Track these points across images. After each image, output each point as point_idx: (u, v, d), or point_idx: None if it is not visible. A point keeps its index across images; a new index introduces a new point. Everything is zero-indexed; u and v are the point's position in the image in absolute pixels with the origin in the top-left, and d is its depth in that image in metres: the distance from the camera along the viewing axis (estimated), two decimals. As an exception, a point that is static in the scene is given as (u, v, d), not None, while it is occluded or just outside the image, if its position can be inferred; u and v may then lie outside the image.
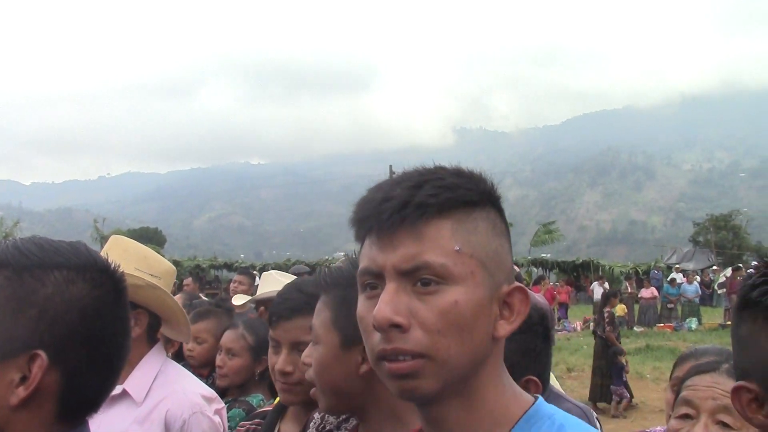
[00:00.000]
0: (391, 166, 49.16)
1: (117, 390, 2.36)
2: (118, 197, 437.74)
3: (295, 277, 4.39)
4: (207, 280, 39.48)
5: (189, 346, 3.76)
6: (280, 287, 4.09)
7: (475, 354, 1.06)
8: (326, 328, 1.64)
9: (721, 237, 59.54)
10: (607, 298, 13.41)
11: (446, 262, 1.04)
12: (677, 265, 36.07)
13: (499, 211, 1.15)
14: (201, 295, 10.02)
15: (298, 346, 2.01)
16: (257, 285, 5.38)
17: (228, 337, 3.50)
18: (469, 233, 1.07)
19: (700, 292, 25.56)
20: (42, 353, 1.13)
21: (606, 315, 12.62)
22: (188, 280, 10.48)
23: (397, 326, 1.03)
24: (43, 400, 1.15)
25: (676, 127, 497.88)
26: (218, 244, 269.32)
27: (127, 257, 2.50)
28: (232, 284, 7.53)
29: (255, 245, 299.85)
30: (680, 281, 26.07)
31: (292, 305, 2.06)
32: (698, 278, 27.42)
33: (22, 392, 1.13)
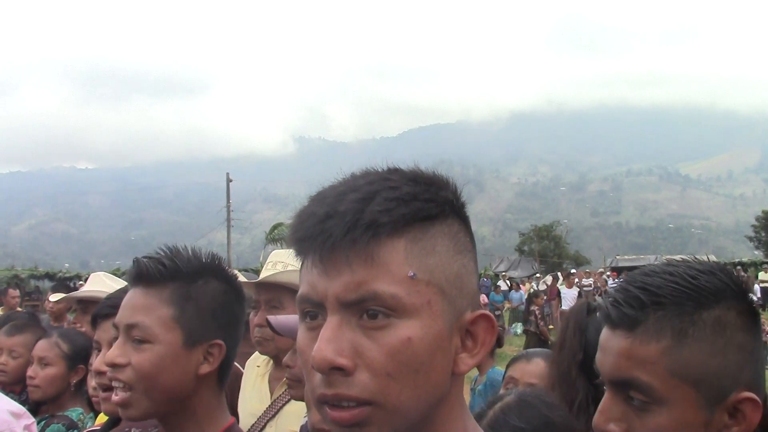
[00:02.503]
0: (228, 174, 48.49)
1: None
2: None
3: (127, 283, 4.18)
4: (27, 291, 36.95)
5: (2, 360, 3.57)
6: (107, 289, 3.65)
7: (431, 396, 0.90)
8: (166, 326, 1.51)
9: (544, 246, 63.36)
10: (531, 297, 15.55)
11: (398, 291, 0.86)
12: (504, 273, 37.96)
13: (464, 220, 0.96)
14: (19, 308, 9.38)
15: None
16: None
17: (40, 346, 3.30)
18: (426, 254, 0.89)
19: (524, 299, 26.93)
20: None
21: (537, 312, 14.28)
22: (15, 292, 9.69)
23: (339, 369, 0.86)
24: None
25: (504, 142, 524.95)
26: (40, 252, 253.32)
27: None
28: (47, 304, 7.04)
29: (81, 254, 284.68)
30: (505, 288, 27.41)
31: (111, 303, 1.98)
32: (534, 286, 28.86)
33: None
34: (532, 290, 19.89)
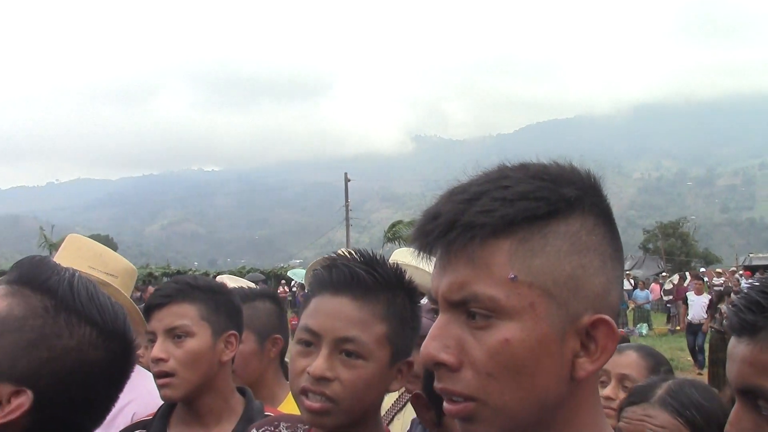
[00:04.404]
0: (346, 174, 49.35)
1: None
2: (68, 204, 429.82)
3: (250, 282, 4.25)
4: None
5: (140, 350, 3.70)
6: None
7: (540, 399, 0.88)
8: (380, 343, 1.45)
9: (670, 244, 60.84)
10: (722, 295, 15.76)
11: (496, 294, 0.87)
12: (628, 272, 36.82)
13: (598, 216, 0.93)
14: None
15: (174, 332, 1.96)
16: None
17: None
18: (532, 256, 0.88)
19: (650, 298, 26.00)
20: (30, 395, 1.08)
21: (723, 311, 14.34)
22: (152, 290, 10.32)
23: (444, 364, 0.89)
24: None
25: (626, 136, 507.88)
26: (171, 251, 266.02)
27: (80, 255, 2.49)
28: None
29: (209, 253, 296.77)
30: (627, 287, 26.49)
31: (166, 293, 2.02)
32: (665, 286, 27.96)
33: None
34: (725, 287, 19.63)
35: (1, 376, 1.08)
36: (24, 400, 1.08)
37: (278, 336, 2.58)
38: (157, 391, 2.39)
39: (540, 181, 0.90)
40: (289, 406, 2.43)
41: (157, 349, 1.95)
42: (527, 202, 0.88)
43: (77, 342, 1.12)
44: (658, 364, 2.44)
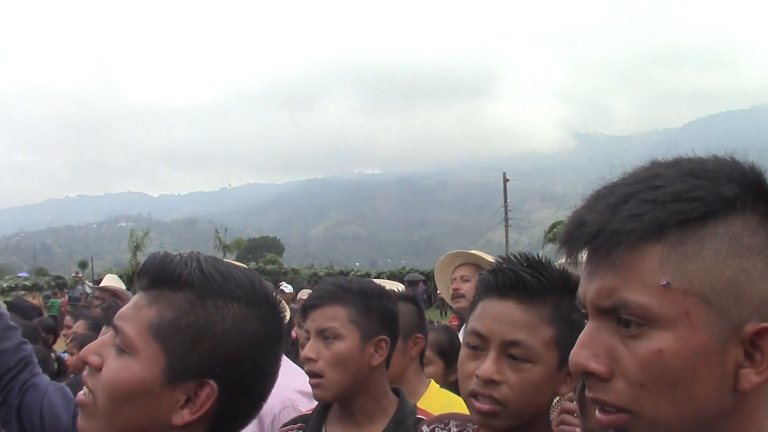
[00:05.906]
0: (504, 174, 48.95)
1: None
2: (239, 207, 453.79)
3: (399, 284, 4.27)
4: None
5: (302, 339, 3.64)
6: None
7: (699, 413, 0.83)
8: (547, 346, 1.45)
9: None
10: None
11: (647, 301, 0.81)
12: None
13: (763, 214, 0.84)
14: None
15: (323, 333, 2.02)
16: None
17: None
18: (687, 260, 0.81)
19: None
20: (214, 384, 1.16)
21: None
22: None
23: (594, 374, 0.86)
24: (199, 426, 1.18)
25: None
26: (335, 253, 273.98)
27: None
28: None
29: (370, 254, 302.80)
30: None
31: (319, 294, 2.09)
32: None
33: (187, 415, 1.16)
34: None
35: (180, 377, 1.15)
36: (210, 390, 1.16)
37: (420, 336, 2.68)
38: (287, 385, 2.33)
39: (695, 179, 0.83)
40: (426, 401, 2.50)
41: (308, 349, 2.03)
42: (680, 204, 0.82)
43: (232, 322, 1.18)
44: None
